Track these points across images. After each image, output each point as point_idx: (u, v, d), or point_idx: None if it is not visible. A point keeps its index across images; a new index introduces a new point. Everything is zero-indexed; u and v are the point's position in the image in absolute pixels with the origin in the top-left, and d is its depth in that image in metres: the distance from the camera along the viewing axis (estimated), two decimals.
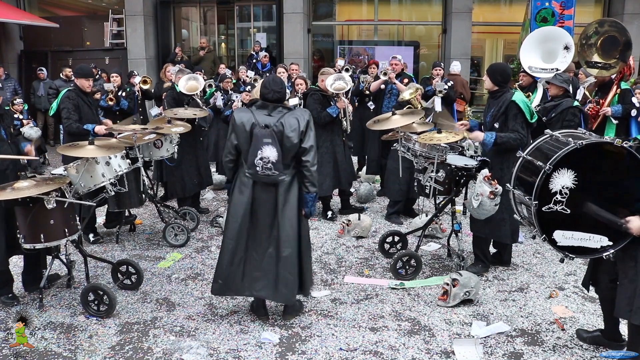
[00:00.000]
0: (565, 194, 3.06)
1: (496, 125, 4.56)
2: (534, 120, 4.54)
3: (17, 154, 4.27)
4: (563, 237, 3.13)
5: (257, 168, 3.66)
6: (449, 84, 7.50)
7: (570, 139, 3.13)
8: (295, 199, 3.81)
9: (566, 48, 6.79)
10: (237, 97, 7.11)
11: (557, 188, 3.06)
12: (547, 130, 3.44)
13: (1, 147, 4.13)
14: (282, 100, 3.82)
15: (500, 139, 4.44)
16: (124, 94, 7.97)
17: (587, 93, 6.70)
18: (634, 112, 6.12)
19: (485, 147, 4.56)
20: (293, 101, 6.22)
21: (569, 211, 3.08)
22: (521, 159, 3.40)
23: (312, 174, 3.76)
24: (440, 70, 7.78)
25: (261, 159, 3.64)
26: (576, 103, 5.58)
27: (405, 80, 7.18)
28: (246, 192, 3.79)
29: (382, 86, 7.28)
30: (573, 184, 3.05)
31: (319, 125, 6.09)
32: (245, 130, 3.69)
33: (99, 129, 5.34)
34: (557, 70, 6.34)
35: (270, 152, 3.62)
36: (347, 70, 7.92)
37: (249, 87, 7.77)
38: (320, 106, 6.02)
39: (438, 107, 6.95)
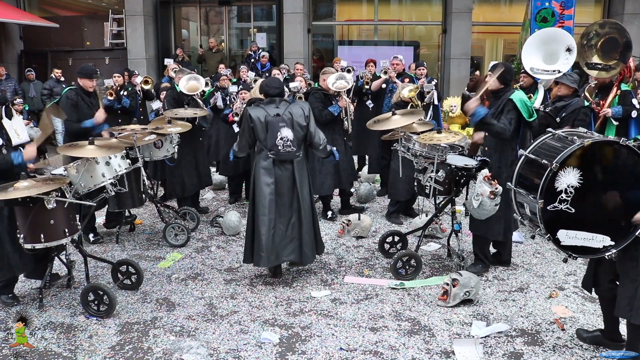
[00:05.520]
0: (571, 192, 3.04)
1: None
2: (532, 119, 4.53)
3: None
4: (567, 236, 3.11)
5: (279, 147, 4.41)
6: (434, 82, 7.51)
7: (575, 137, 3.12)
8: (306, 174, 4.67)
9: (568, 50, 6.78)
10: (232, 92, 7.12)
11: (562, 187, 3.04)
12: (549, 129, 3.43)
13: None
14: (282, 95, 4.60)
15: (489, 119, 4.45)
16: (125, 93, 7.97)
17: (587, 94, 6.69)
18: (634, 114, 6.11)
19: (473, 118, 4.55)
20: (294, 84, 6.29)
21: (573, 210, 3.07)
22: (523, 157, 3.38)
23: (322, 150, 4.69)
24: (423, 69, 7.76)
25: (281, 138, 4.39)
26: (587, 103, 5.62)
27: (406, 80, 7.19)
28: (270, 173, 4.50)
29: (383, 85, 7.28)
30: (578, 182, 3.05)
31: (320, 124, 6.10)
32: (261, 122, 4.45)
33: (98, 117, 5.37)
34: (559, 72, 6.34)
35: (287, 132, 4.41)
36: (349, 71, 7.90)
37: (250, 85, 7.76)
38: (321, 105, 6.03)
39: (436, 100, 7.13)
